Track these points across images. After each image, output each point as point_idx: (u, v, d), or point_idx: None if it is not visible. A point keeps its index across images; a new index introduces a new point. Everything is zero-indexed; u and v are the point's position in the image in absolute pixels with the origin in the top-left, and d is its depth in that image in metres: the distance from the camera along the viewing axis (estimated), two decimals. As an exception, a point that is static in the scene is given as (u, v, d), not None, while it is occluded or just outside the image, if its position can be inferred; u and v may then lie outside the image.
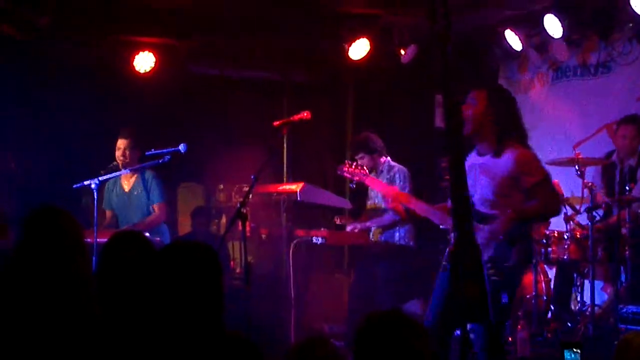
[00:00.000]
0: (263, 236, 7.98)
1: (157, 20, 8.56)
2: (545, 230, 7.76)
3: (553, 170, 6.29)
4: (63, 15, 8.10)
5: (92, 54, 9.05)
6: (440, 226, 6.43)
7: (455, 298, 2.74)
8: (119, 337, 3.43)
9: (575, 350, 5.02)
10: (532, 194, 5.40)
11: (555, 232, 7.71)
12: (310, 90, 10.49)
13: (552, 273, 8.25)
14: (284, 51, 9.84)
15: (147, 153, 7.38)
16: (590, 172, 7.92)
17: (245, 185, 7.80)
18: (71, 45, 8.90)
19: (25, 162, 8.78)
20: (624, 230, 7.36)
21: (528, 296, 7.84)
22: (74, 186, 7.16)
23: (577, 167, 7.43)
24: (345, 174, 6.55)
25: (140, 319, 3.56)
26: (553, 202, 5.58)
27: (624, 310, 7.25)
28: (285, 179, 8.55)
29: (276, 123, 6.55)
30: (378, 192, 7.80)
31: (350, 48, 9.12)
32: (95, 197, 6.86)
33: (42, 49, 8.62)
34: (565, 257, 7.66)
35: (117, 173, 7.52)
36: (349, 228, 7.87)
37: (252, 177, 5.90)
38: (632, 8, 7.80)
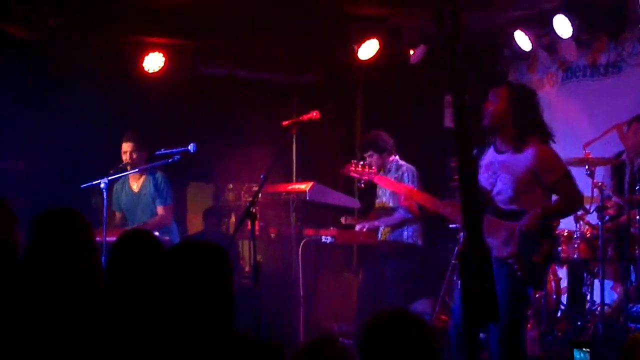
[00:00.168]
0: (272, 235, 7.99)
1: (167, 20, 8.57)
2: (556, 230, 7.76)
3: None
4: (72, 15, 8.12)
5: (101, 54, 9.07)
6: (450, 225, 6.46)
7: (464, 297, 2.74)
8: (128, 336, 3.43)
9: (584, 349, 5.02)
10: (554, 190, 5.47)
11: (566, 231, 7.71)
12: (319, 91, 10.49)
13: (561, 272, 8.24)
14: (293, 51, 9.84)
15: (157, 153, 7.39)
16: (600, 172, 7.92)
17: (255, 185, 7.81)
18: (80, 46, 8.92)
19: (34, 163, 8.81)
20: (633, 230, 7.36)
21: (538, 295, 7.84)
22: (82, 186, 7.18)
23: (587, 166, 7.43)
24: (353, 173, 6.56)
25: (149, 318, 3.57)
26: (576, 197, 5.61)
27: (634, 309, 7.26)
28: (294, 178, 8.56)
29: (285, 123, 6.55)
30: (387, 191, 7.81)
31: (360, 48, 9.13)
32: (105, 196, 6.88)
33: (51, 50, 8.65)
34: (575, 256, 7.65)
35: (127, 172, 7.54)
36: (358, 227, 7.86)
37: (261, 176, 5.91)
38: (642, 8, 7.80)
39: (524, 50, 9.08)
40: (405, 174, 7.68)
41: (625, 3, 8.18)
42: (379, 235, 7.96)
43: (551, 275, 8.00)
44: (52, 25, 7.97)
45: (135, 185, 7.93)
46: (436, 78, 9.37)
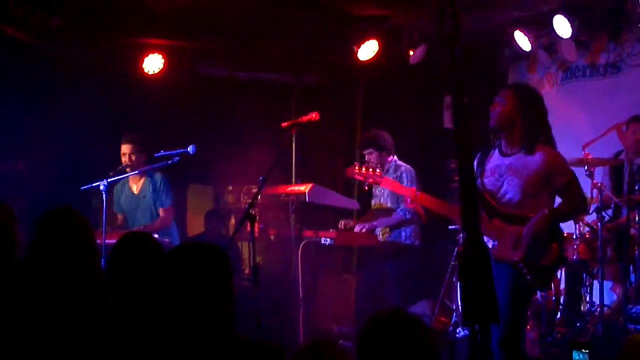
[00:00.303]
0: (272, 237, 7.98)
1: (166, 22, 8.57)
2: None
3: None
4: (72, 17, 8.12)
5: (101, 56, 9.07)
6: (449, 227, 6.46)
7: (464, 298, 2.74)
8: (129, 337, 3.43)
9: (584, 350, 5.02)
10: (563, 193, 5.50)
11: (565, 232, 7.70)
12: (319, 92, 10.49)
13: (559, 273, 8.24)
14: (293, 52, 9.84)
15: (156, 155, 7.39)
16: (599, 172, 7.92)
17: (254, 187, 7.81)
18: (80, 48, 8.92)
19: (34, 164, 8.81)
20: (633, 231, 7.36)
21: (537, 297, 7.84)
22: (82, 188, 7.18)
23: (586, 167, 7.44)
24: (357, 176, 6.44)
25: (149, 319, 3.57)
26: (582, 201, 5.68)
27: (633, 310, 7.26)
28: (294, 180, 8.55)
29: (285, 124, 6.54)
30: (385, 191, 7.81)
31: (359, 49, 9.13)
32: (104, 198, 6.88)
33: (51, 51, 8.65)
34: (574, 257, 7.65)
35: (126, 174, 7.54)
36: (357, 228, 7.85)
37: (260, 178, 5.91)
38: (641, 8, 7.81)
39: (523, 51, 9.09)
40: (404, 175, 7.67)
41: (624, 4, 8.19)
42: (378, 236, 7.95)
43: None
44: (52, 27, 7.97)
45: (135, 187, 7.93)
46: (436, 79, 9.38)
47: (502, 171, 5.52)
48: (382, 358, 2.83)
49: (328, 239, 7.60)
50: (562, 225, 7.47)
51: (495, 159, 5.63)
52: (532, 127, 5.51)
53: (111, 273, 4.13)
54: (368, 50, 9.14)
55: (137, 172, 7.63)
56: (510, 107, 5.51)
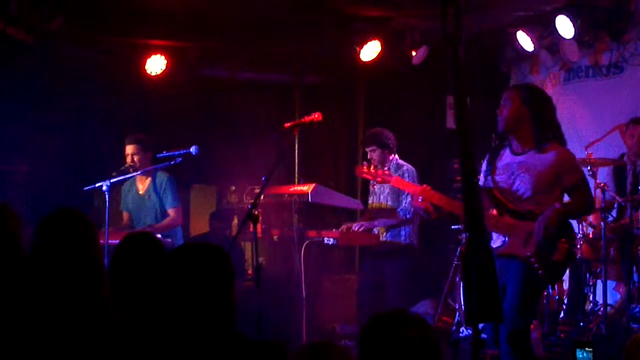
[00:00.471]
0: (274, 237, 7.98)
1: (169, 23, 8.58)
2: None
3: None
4: (74, 18, 8.13)
5: (104, 56, 9.09)
6: (452, 226, 6.48)
7: (467, 298, 2.74)
8: (131, 337, 3.44)
9: (587, 349, 5.03)
10: (572, 191, 5.55)
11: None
12: (321, 92, 10.50)
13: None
14: (295, 53, 9.85)
15: (158, 155, 7.40)
16: (603, 172, 7.92)
17: (257, 187, 7.81)
18: (83, 48, 8.94)
19: (37, 165, 8.82)
20: (636, 231, 7.37)
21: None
22: (85, 188, 7.19)
23: (589, 167, 7.44)
24: (366, 175, 6.48)
25: (152, 320, 3.57)
26: (591, 200, 5.71)
27: (636, 310, 7.27)
28: (296, 180, 8.56)
29: (287, 125, 6.54)
30: (385, 190, 7.81)
31: (362, 50, 9.14)
32: (107, 198, 6.88)
33: (54, 53, 8.66)
34: (578, 257, 7.65)
35: (129, 175, 7.54)
36: (355, 227, 7.85)
37: (263, 178, 5.91)
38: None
39: (526, 51, 9.09)
40: (406, 174, 7.67)
41: (627, 4, 8.19)
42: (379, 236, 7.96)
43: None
44: (53, 27, 7.97)
45: (141, 187, 7.93)
46: (438, 79, 9.39)
47: (513, 169, 5.57)
48: (384, 357, 2.84)
49: (331, 239, 7.59)
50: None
51: (506, 157, 5.68)
52: (540, 124, 5.55)
53: (114, 273, 4.13)
54: (370, 50, 9.15)
55: (139, 172, 7.62)
56: (516, 107, 5.56)
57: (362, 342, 2.92)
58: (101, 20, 8.37)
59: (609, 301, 7.51)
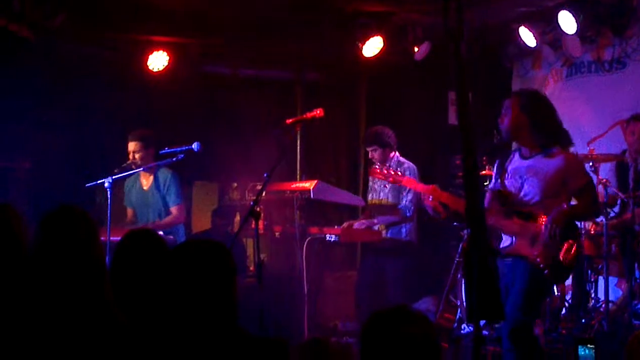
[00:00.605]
0: (276, 234, 7.98)
1: (171, 19, 8.57)
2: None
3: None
4: (77, 15, 8.13)
5: (106, 53, 9.08)
6: (454, 223, 6.50)
7: (468, 295, 2.74)
8: (132, 334, 3.44)
9: (589, 346, 5.02)
10: (579, 195, 5.69)
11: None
12: (323, 88, 10.49)
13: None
14: (297, 49, 9.84)
15: (160, 152, 7.40)
16: (605, 168, 7.91)
17: (259, 184, 7.81)
18: (85, 45, 8.93)
19: (39, 162, 8.82)
20: (638, 227, 7.36)
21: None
22: (87, 185, 7.19)
23: (591, 163, 7.43)
24: (379, 175, 6.66)
25: (153, 317, 3.57)
26: (597, 204, 5.91)
27: (638, 306, 7.25)
28: (298, 176, 8.56)
29: (289, 121, 6.54)
30: (385, 187, 7.82)
31: (364, 46, 9.12)
32: (109, 195, 6.87)
33: (56, 50, 8.65)
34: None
35: (132, 171, 7.54)
36: (356, 225, 7.85)
37: (265, 175, 5.91)
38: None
39: (528, 47, 9.06)
40: (407, 172, 7.66)
41: (629, -1, 8.18)
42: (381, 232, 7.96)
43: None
44: (56, 24, 7.97)
45: (145, 183, 7.92)
46: (440, 75, 9.37)
47: (522, 173, 5.72)
48: (385, 354, 2.84)
49: (333, 236, 7.60)
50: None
51: (515, 161, 5.84)
52: (539, 130, 5.69)
53: (116, 271, 4.13)
54: (372, 46, 9.14)
55: (142, 168, 7.62)
56: (515, 115, 5.70)
57: (363, 338, 2.92)
58: (103, 17, 8.36)
59: (611, 298, 7.51)
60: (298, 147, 8.89)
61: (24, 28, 7.96)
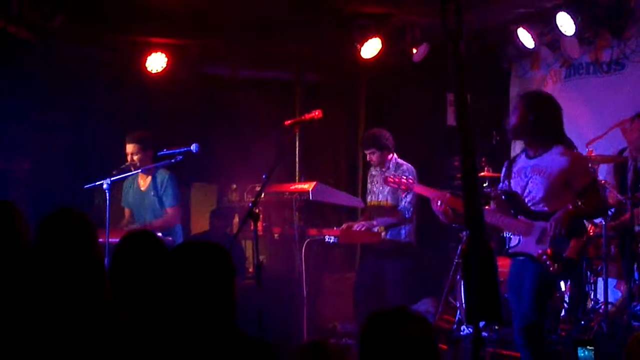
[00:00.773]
0: (275, 235, 7.98)
1: (169, 21, 8.56)
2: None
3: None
4: (75, 16, 8.12)
5: (105, 55, 9.08)
6: (453, 224, 6.52)
7: (467, 296, 2.74)
8: (131, 335, 3.43)
9: (588, 347, 5.02)
10: (583, 194, 5.71)
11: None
12: (322, 90, 10.49)
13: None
14: (296, 51, 9.84)
15: (159, 153, 7.39)
16: (603, 169, 7.91)
17: (258, 185, 7.81)
18: (84, 47, 8.93)
19: (39, 163, 8.82)
20: (637, 228, 7.36)
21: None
22: (85, 187, 7.18)
23: (590, 164, 7.42)
24: (392, 184, 6.83)
25: (151, 318, 3.57)
26: (602, 202, 6.01)
27: (638, 307, 7.25)
28: (297, 178, 8.54)
29: (287, 122, 6.55)
30: (385, 189, 7.82)
31: (362, 47, 9.12)
32: (108, 197, 6.87)
33: (55, 51, 8.65)
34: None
35: (130, 173, 7.53)
36: (356, 227, 7.85)
37: (264, 176, 5.91)
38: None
39: (527, 48, 9.06)
40: (406, 173, 7.67)
41: (627, 0, 8.17)
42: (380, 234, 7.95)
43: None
44: (55, 25, 7.97)
45: (142, 184, 7.91)
46: (439, 76, 9.37)
47: (527, 172, 5.82)
48: (384, 355, 2.84)
49: (332, 237, 7.60)
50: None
51: (521, 161, 5.95)
52: (543, 129, 5.79)
53: (114, 272, 4.13)
54: (371, 48, 9.14)
55: (140, 170, 7.62)
56: (521, 115, 5.82)
57: (363, 339, 2.92)
58: (102, 18, 8.36)
59: (610, 299, 7.51)
60: (297, 149, 8.85)
61: (23, 29, 7.96)
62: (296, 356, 3.13)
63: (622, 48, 8.83)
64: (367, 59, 9.24)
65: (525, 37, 8.92)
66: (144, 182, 7.89)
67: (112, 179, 7.00)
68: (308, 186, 7.56)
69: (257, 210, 5.66)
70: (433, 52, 9.20)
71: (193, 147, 7.06)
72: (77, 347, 3.31)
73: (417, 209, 7.69)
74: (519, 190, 5.84)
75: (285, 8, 8.38)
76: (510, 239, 8.02)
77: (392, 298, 7.56)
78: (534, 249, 5.67)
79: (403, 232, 7.78)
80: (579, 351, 5.07)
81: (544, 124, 5.78)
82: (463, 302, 7.92)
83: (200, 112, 9.78)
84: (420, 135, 9.84)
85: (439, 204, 6.08)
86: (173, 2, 8.24)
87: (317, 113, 6.51)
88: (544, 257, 5.57)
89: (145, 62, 9.11)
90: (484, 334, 7.55)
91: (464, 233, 7.53)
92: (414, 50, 9.26)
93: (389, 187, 7.74)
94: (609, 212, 7.60)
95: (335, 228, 7.81)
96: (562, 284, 7.71)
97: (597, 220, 7.56)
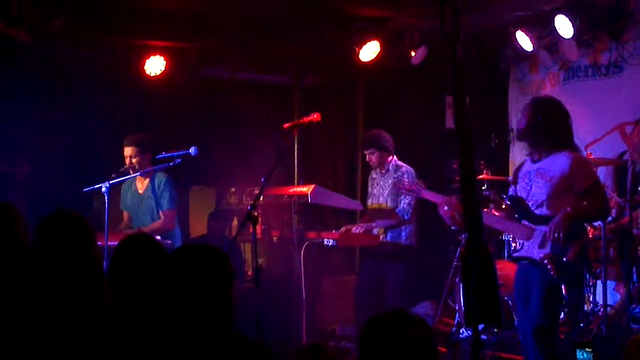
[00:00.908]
0: (274, 238, 7.98)
1: (168, 24, 8.56)
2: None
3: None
4: (74, 19, 8.12)
5: (104, 57, 9.08)
6: (452, 227, 6.55)
7: (466, 299, 2.74)
8: (130, 339, 3.43)
9: (587, 350, 5.03)
10: (586, 196, 5.74)
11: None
12: (321, 93, 10.49)
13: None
14: (294, 54, 9.84)
15: (157, 156, 7.38)
16: (602, 172, 7.91)
17: (257, 188, 7.80)
18: (83, 49, 8.93)
19: (37, 166, 8.81)
20: (635, 231, 7.36)
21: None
22: (84, 190, 7.18)
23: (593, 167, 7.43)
24: (402, 190, 6.98)
25: (150, 321, 3.57)
26: (605, 204, 5.90)
27: (636, 310, 7.25)
28: (296, 181, 8.54)
29: (286, 125, 6.55)
30: (385, 191, 7.83)
31: (361, 50, 9.13)
32: (107, 200, 6.86)
33: (54, 54, 8.65)
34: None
35: (129, 176, 7.53)
36: (354, 229, 7.85)
37: (262, 179, 5.91)
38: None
39: (525, 51, 9.07)
40: (405, 175, 7.68)
41: (626, 3, 8.17)
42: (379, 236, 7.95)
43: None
44: (54, 28, 7.96)
45: (140, 187, 7.91)
46: (437, 79, 9.38)
47: (531, 176, 5.86)
48: (384, 357, 2.84)
49: (331, 240, 7.59)
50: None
51: (526, 166, 5.99)
52: (549, 133, 5.82)
53: (113, 275, 4.13)
54: (369, 51, 9.15)
55: (139, 173, 7.61)
56: (529, 119, 5.86)
57: (362, 342, 2.93)
58: (101, 21, 8.36)
59: (609, 302, 7.51)
60: (296, 152, 8.87)
61: (22, 32, 7.96)
62: (294, 359, 3.13)
63: (621, 51, 8.83)
64: (365, 62, 9.25)
65: (524, 40, 8.93)
66: (142, 185, 7.88)
67: (110, 182, 6.99)
68: (307, 189, 7.56)
69: (255, 214, 5.65)
70: (431, 55, 9.21)
71: (192, 150, 7.05)
72: (75, 350, 3.31)
73: (417, 211, 7.70)
74: (524, 195, 5.87)
75: (284, 11, 8.39)
76: (509, 242, 8.06)
77: (391, 301, 7.56)
78: (536, 253, 5.68)
79: (404, 234, 7.77)
80: (577, 353, 5.08)
81: (550, 128, 5.82)
82: (462, 304, 7.92)
83: (198, 115, 9.79)
84: (419, 138, 9.85)
85: (445, 208, 6.12)
86: (172, 4, 8.24)
87: (315, 116, 6.51)
88: (545, 261, 5.58)
89: (144, 65, 9.12)
90: (483, 336, 7.55)
91: (463, 236, 7.53)
92: (413, 53, 9.26)
93: (388, 190, 7.76)
94: (609, 217, 7.61)
95: (334, 231, 7.81)
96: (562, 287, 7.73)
97: (596, 223, 7.57)
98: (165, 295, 3.17)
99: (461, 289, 7.56)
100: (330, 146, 10.78)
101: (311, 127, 6.62)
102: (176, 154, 7.17)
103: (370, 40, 9.08)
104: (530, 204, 5.81)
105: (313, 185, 7.60)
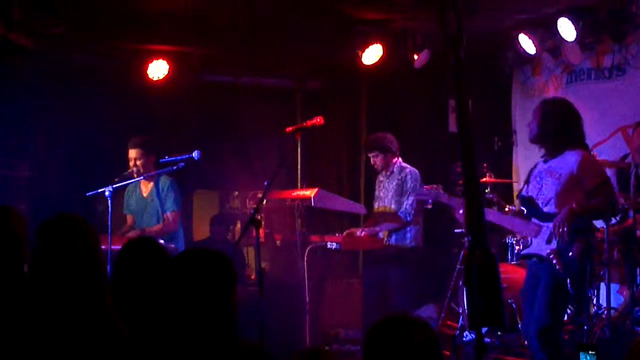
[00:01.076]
0: (277, 242, 7.98)
1: (170, 28, 8.57)
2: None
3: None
4: (77, 24, 8.13)
5: (106, 62, 9.09)
6: (455, 230, 6.55)
7: (470, 301, 2.74)
8: (132, 343, 3.43)
9: (591, 352, 5.01)
10: (594, 194, 5.79)
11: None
12: (323, 96, 10.49)
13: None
14: (297, 57, 9.84)
15: (161, 160, 7.39)
16: (605, 175, 7.89)
17: (260, 192, 7.80)
18: (85, 54, 8.94)
19: (40, 170, 8.82)
20: (639, 233, 7.34)
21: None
22: (88, 194, 7.18)
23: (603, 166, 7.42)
24: (420, 196, 7.04)
25: (153, 325, 3.57)
26: (612, 202, 5.95)
27: (640, 313, 7.24)
28: (299, 184, 8.54)
29: (289, 129, 6.55)
30: (389, 194, 7.82)
31: (364, 54, 9.13)
32: (110, 204, 6.87)
33: (56, 58, 8.66)
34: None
35: (132, 180, 7.54)
36: (358, 233, 7.85)
37: (265, 183, 5.91)
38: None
39: (528, 54, 9.07)
40: (409, 177, 7.69)
41: (629, 6, 8.17)
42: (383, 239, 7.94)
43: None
44: (56, 33, 7.97)
45: (144, 190, 7.92)
46: (441, 82, 9.38)
47: (542, 175, 5.97)
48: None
49: (334, 244, 7.59)
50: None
51: (539, 166, 6.09)
52: (558, 133, 5.91)
53: (116, 279, 4.13)
54: (372, 54, 9.15)
55: (142, 177, 7.62)
56: (539, 120, 5.95)
57: (366, 346, 2.92)
58: (103, 25, 8.37)
59: (613, 304, 7.49)
60: (299, 155, 8.86)
61: (24, 36, 7.97)
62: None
63: (624, 53, 8.83)
64: (368, 65, 9.25)
65: (527, 43, 8.93)
66: (146, 188, 7.89)
67: (114, 186, 7.01)
68: (310, 192, 7.56)
69: (259, 217, 5.65)
70: (434, 59, 9.21)
71: (195, 154, 7.06)
72: (78, 354, 3.31)
73: (421, 212, 7.68)
74: (534, 194, 5.96)
75: (286, 14, 8.39)
76: (512, 245, 8.05)
77: (395, 304, 7.55)
78: (543, 249, 5.75)
79: (408, 236, 7.75)
80: (581, 356, 5.05)
81: (560, 129, 5.90)
82: (466, 308, 7.90)
83: (201, 119, 9.79)
84: (422, 141, 9.84)
85: (461, 212, 6.17)
86: (174, 9, 8.24)
87: (318, 119, 6.51)
88: (552, 256, 5.65)
89: (147, 69, 9.13)
90: (487, 339, 7.55)
91: (467, 239, 7.53)
92: (416, 57, 9.26)
93: (392, 192, 7.75)
94: (613, 220, 7.59)
95: (337, 234, 7.81)
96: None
97: (600, 225, 7.56)
98: (168, 299, 3.17)
99: (465, 292, 7.55)
100: (333, 149, 10.78)
101: (314, 131, 6.62)
102: (179, 158, 7.18)
103: (373, 44, 9.08)
104: (539, 202, 5.89)
105: (316, 189, 7.60)
